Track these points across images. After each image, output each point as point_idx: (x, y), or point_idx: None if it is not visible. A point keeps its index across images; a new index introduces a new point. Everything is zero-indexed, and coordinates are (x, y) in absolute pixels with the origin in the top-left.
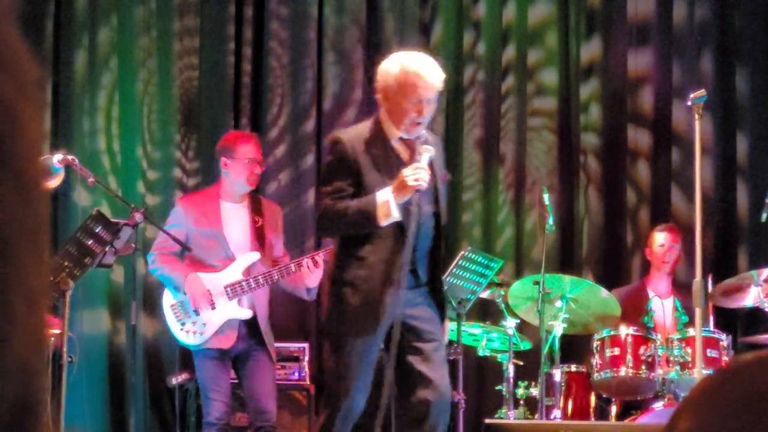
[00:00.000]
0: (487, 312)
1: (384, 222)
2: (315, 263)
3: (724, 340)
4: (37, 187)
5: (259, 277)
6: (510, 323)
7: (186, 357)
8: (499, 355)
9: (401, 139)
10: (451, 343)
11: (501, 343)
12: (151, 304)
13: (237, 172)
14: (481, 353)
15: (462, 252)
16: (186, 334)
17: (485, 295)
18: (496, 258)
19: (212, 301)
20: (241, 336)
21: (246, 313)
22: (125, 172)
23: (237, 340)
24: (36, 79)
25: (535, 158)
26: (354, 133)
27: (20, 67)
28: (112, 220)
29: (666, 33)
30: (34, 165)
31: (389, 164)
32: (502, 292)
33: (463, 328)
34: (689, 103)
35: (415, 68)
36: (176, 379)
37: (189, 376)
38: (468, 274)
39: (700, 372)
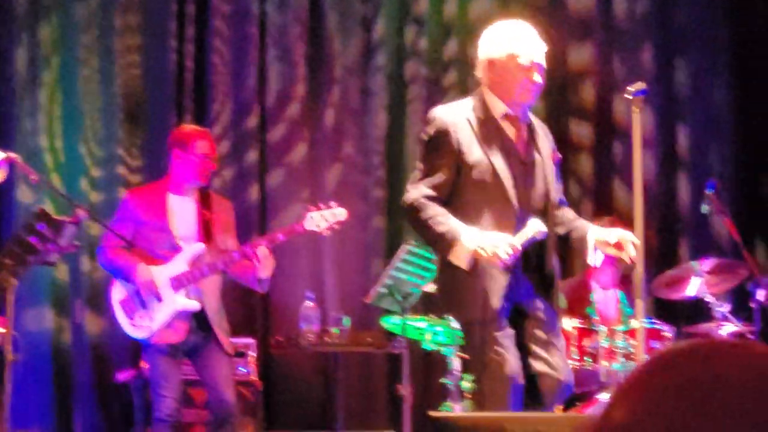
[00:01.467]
0: (431, 305)
1: (454, 260)
2: (253, 255)
3: (668, 331)
4: None
5: (204, 266)
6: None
7: (133, 354)
8: (443, 349)
9: (507, 116)
10: (395, 337)
11: (446, 336)
12: (97, 302)
13: (189, 167)
14: (425, 347)
15: (405, 246)
16: (134, 329)
17: (430, 288)
18: None
19: (158, 293)
20: (192, 329)
21: (193, 305)
22: (68, 170)
23: (188, 334)
24: None
25: None
26: (456, 109)
27: None
28: (56, 217)
29: (607, 27)
30: None
31: (493, 141)
32: None
33: (407, 322)
34: (628, 96)
35: (520, 32)
36: (123, 376)
37: (136, 373)
38: (412, 268)
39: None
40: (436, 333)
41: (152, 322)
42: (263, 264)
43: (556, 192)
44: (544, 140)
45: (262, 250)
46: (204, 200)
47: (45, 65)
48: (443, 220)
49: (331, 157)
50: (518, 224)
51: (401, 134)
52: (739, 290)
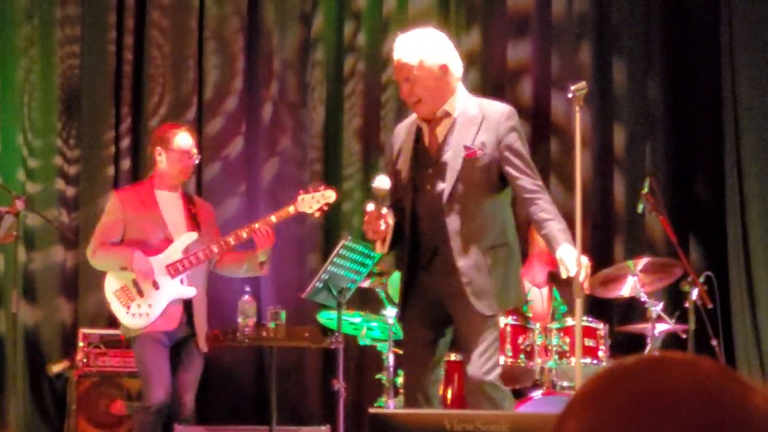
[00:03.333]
0: (367, 301)
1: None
2: (256, 231)
3: (601, 329)
4: None
5: (199, 252)
6: (390, 312)
7: (66, 346)
8: (379, 344)
9: (427, 120)
10: (331, 332)
11: (381, 332)
12: (32, 292)
13: (171, 163)
14: (361, 342)
15: (342, 241)
16: (132, 318)
17: (365, 284)
18: None
19: (155, 281)
20: (182, 322)
21: (190, 291)
22: (5, 160)
23: (179, 325)
24: None
25: None
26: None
27: None
28: None
29: (545, 25)
30: None
31: (409, 147)
32: (384, 281)
33: (343, 317)
34: (570, 95)
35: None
36: (57, 368)
37: (69, 364)
38: (348, 263)
39: (578, 361)
40: (372, 328)
41: (151, 309)
42: (266, 240)
43: (478, 185)
44: (465, 133)
45: (263, 228)
46: (187, 197)
47: None
48: None
49: (268, 151)
50: (415, 226)
51: (338, 129)
52: (674, 289)
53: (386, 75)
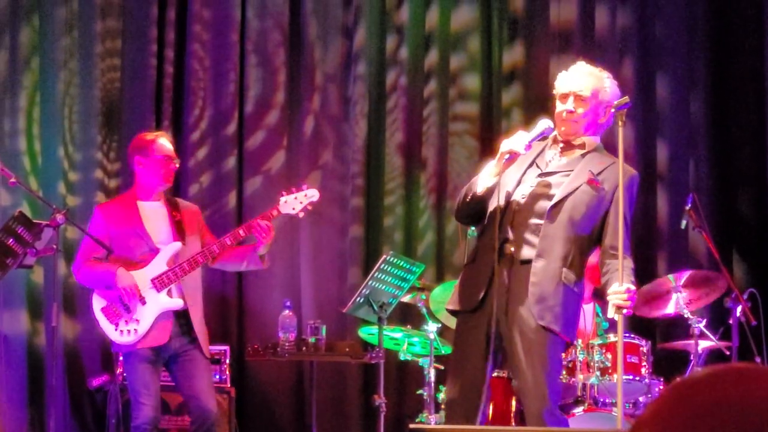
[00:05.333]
0: (408, 316)
1: (479, 190)
2: (255, 227)
3: (644, 345)
4: None
5: (184, 263)
6: (431, 327)
7: (106, 359)
8: (420, 360)
9: (563, 143)
10: (372, 347)
11: (422, 347)
12: (72, 306)
13: (152, 170)
14: (402, 357)
15: (383, 256)
16: (120, 335)
17: (407, 299)
18: (418, 262)
19: (141, 296)
20: (174, 334)
21: (177, 302)
22: (46, 173)
23: (171, 338)
24: None
25: (457, 163)
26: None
27: None
28: (34, 221)
29: (588, 39)
30: None
31: (525, 163)
32: (424, 297)
33: (384, 333)
34: (612, 110)
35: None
36: (97, 381)
37: (110, 378)
38: (389, 279)
39: (620, 377)
40: (413, 344)
41: (139, 325)
42: (267, 235)
43: (585, 209)
44: (592, 165)
45: (263, 222)
46: (171, 204)
47: (25, 68)
48: None
49: (310, 165)
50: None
51: (380, 143)
52: (717, 306)
53: (428, 89)
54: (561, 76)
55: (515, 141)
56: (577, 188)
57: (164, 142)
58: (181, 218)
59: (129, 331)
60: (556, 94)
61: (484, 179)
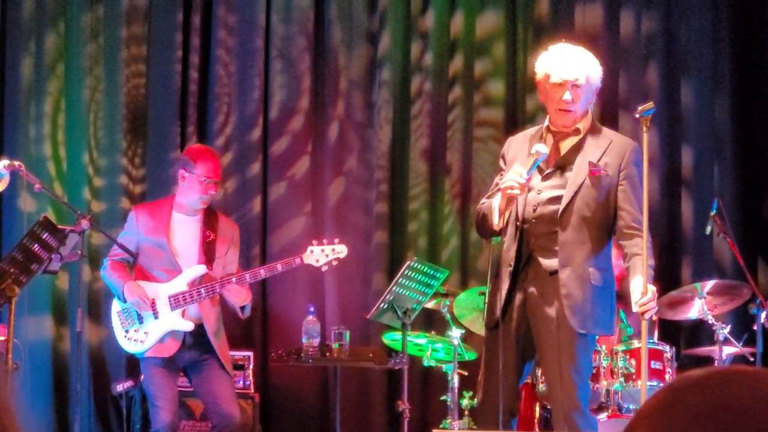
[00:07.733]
0: (432, 322)
1: (497, 225)
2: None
3: (668, 351)
4: None
5: (201, 288)
6: (455, 333)
7: (131, 364)
8: (444, 366)
9: (553, 132)
10: (396, 352)
11: (446, 353)
12: (96, 311)
13: (191, 188)
14: (426, 363)
15: (408, 262)
16: (128, 342)
17: (431, 305)
18: (442, 268)
19: (155, 309)
20: (187, 346)
21: (188, 325)
22: (71, 179)
23: (182, 350)
24: None
25: (481, 169)
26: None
27: None
28: (59, 226)
29: (613, 44)
30: None
31: (525, 157)
32: (448, 303)
33: (408, 339)
34: (637, 116)
35: (549, 54)
36: (121, 386)
37: (134, 384)
38: (413, 284)
39: (644, 383)
40: (437, 350)
41: (146, 337)
42: (238, 292)
43: (594, 203)
44: (591, 152)
45: (242, 284)
46: (209, 221)
47: (50, 74)
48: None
49: (334, 171)
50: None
51: (405, 149)
52: (741, 312)
53: (453, 95)
54: (550, 63)
55: (514, 179)
56: (581, 185)
57: (211, 164)
58: (214, 238)
59: (136, 340)
60: (545, 80)
61: (495, 216)
